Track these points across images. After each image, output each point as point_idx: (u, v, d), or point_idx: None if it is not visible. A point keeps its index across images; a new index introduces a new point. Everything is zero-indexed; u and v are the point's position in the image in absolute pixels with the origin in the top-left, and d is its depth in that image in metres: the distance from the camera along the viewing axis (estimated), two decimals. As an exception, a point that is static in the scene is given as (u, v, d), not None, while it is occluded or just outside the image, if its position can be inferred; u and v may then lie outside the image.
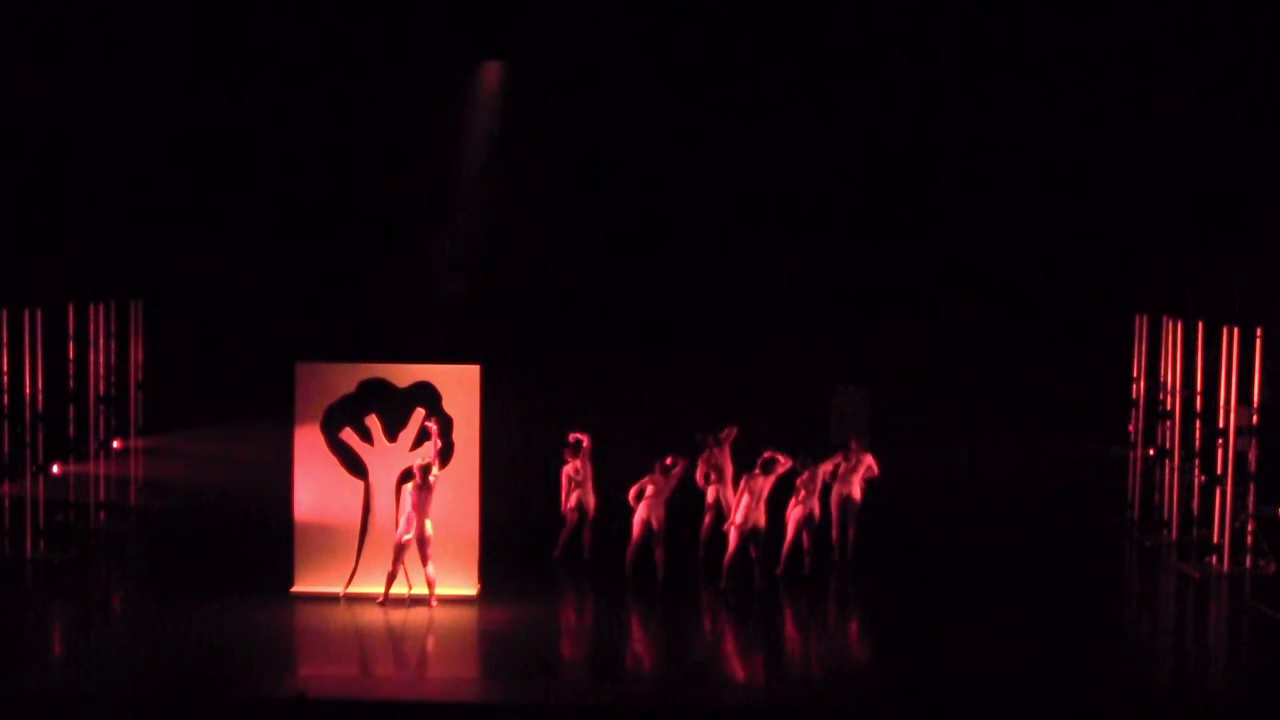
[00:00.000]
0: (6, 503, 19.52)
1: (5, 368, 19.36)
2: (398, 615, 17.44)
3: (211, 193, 22.77)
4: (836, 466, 19.76)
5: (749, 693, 15.41)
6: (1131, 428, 22.70)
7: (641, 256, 23.68)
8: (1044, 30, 20.42)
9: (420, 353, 19.82)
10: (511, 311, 23.56)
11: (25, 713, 14.25)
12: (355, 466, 18.11)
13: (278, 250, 23.21)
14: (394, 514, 17.79)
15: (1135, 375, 22.67)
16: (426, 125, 23.35)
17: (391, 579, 17.67)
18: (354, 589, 17.91)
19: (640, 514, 18.72)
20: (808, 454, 18.97)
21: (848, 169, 23.12)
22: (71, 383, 21.06)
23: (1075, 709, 14.55)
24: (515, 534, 20.27)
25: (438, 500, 17.58)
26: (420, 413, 18.00)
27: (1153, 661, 16.80)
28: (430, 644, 16.76)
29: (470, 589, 18.03)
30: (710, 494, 19.81)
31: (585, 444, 19.65)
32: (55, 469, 20.54)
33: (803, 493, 18.94)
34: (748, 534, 18.42)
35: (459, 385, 18.11)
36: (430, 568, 17.54)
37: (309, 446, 18.04)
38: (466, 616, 17.51)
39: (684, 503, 19.28)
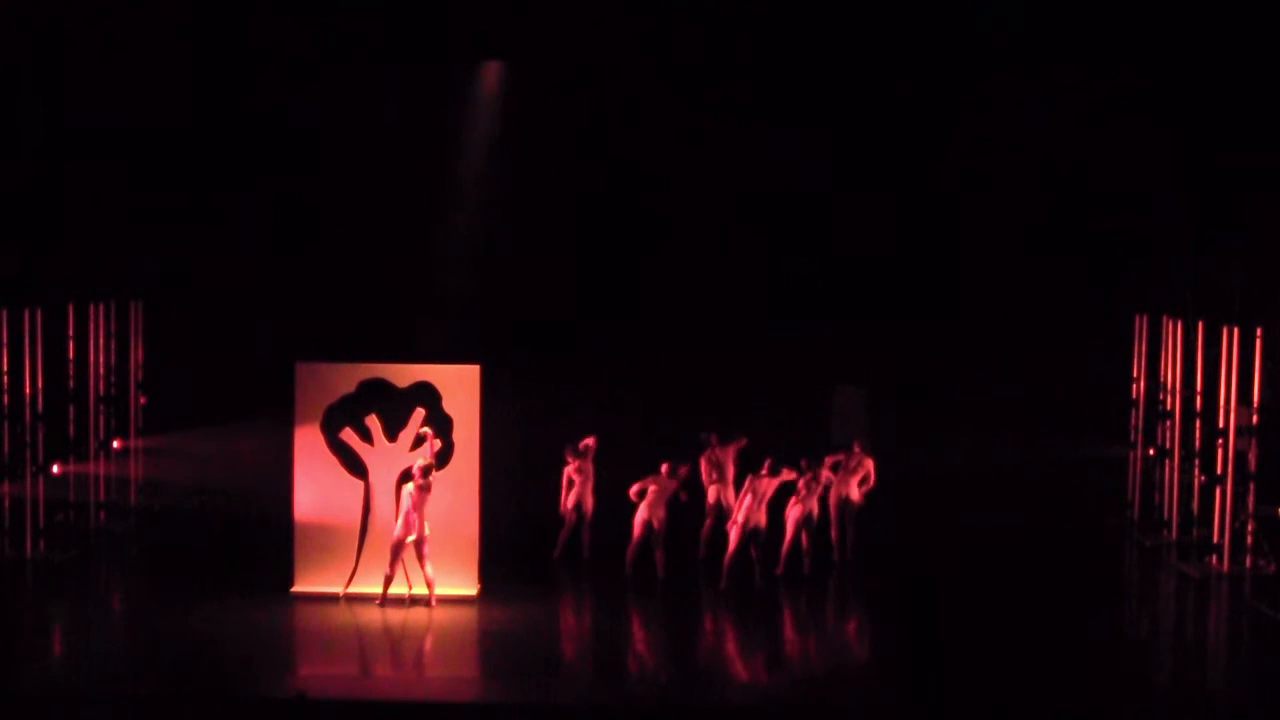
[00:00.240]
0: (6, 503, 19.52)
1: (5, 368, 19.36)
2: (397, 615, 17.43)
3: (211, 192, 22.77)
4: (837, 464, 19.79)
5: (749, 692, 15.41)
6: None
7: (642, 256, 23.69)
8: (1044, 30, 20.42)
9: (420, 353, 19.80)
10: (511, 311, 23.56)
11: (25, 713, 14.24)
12: (355, 466, 18.11)
13: (278, 250, 23.22)
14: (394, 514, 17.80)
15: (1135, 375, 22.66)
16: (426, 125, 23.35)
17: (389, 580, 17.66)
18: (354, 589, 17.90)
19: (641, 514, 18.73)
20: (809, 460, 18.98)
21: (847, 169, 23.12)
22: (71, 383, 21.06)
23: (1075, 709, 14.54)
24: (515, 534, 20.27)
25: (438, 500, 17.57)
26: (420, 413, 18.01)
27: (1153, 661, 16.81)
28: (430, 644, 16.74)
29: (470, 589, 18.03)
30: (711, 495, 19.86)
31: (592, 446, 19.68)
32: (55, 469, 20.53)
33: (803, 492, 18.95)
34: (748, 534, 18.43)
35: (459, 385, 18.10)
36: (429, 568, 17.55)
37: (309, 446, 18.04)
38: (466, 616, 17.50)
39: (685, 503, 19.27)
